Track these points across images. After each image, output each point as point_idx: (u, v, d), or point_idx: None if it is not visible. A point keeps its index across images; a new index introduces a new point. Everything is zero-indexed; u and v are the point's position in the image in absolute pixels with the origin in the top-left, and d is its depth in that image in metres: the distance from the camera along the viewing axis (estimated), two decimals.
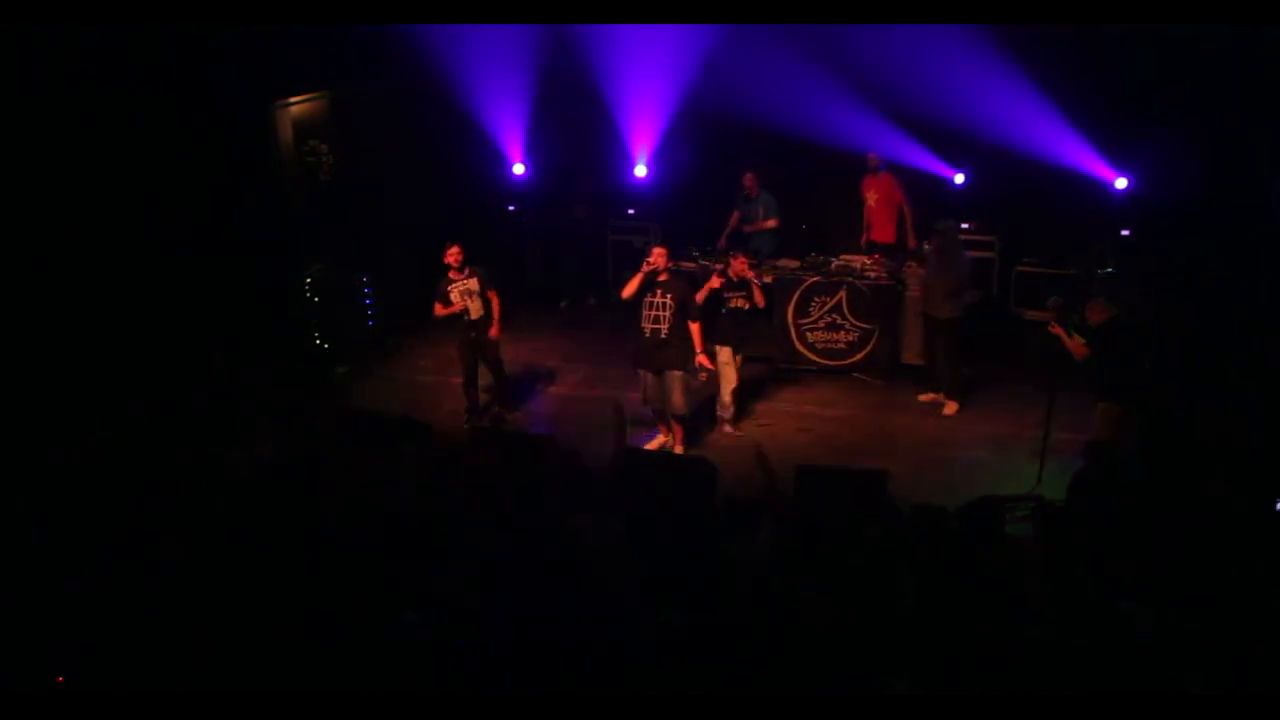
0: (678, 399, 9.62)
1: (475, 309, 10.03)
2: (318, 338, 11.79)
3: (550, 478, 8.06)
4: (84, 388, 9.02)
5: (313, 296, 11.71)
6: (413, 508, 7.16)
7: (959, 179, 12.75)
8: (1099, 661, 5.25)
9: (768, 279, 10.82)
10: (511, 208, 14.50)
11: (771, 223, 12.26)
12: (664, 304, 9.44)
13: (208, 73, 10.21)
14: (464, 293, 9.96)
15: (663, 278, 9.49)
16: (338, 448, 8.55)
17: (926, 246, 11.17)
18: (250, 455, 8.01)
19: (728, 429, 10.29)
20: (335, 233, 12.28)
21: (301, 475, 7.80)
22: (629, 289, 9.57)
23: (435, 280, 10.13)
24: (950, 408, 10.56)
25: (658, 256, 9.48)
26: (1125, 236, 11.61)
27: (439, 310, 10.11)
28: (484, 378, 10.54)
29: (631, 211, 14.08)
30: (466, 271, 10.02)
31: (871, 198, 12.44)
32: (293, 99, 11.39)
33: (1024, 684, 5.21)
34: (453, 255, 9.91)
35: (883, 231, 12.41)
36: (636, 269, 9.60)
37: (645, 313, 9.51)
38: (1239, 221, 8.92)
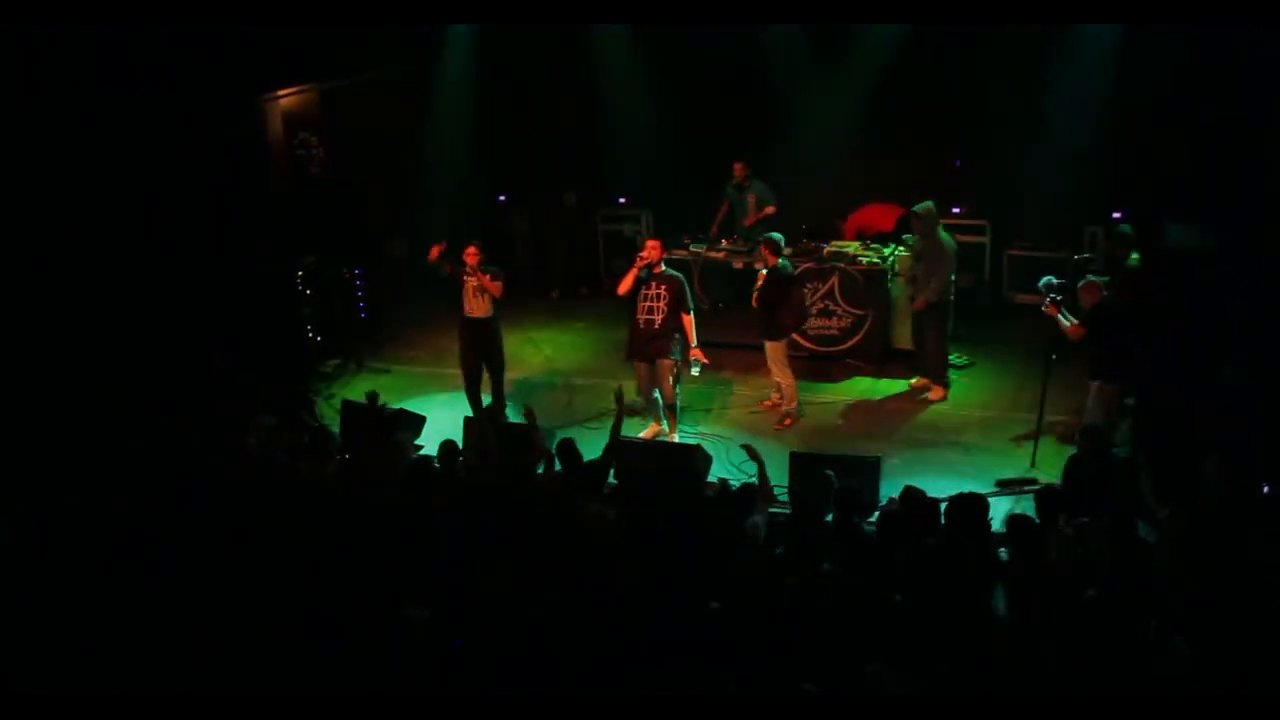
0: (668, 388, 9.63)
1: (480, 308, 9.95)
2: (310, 330, 11.77)
3: (545, 467, 8.09)
4: (79, 385, 9.02)
5: (305, 289, 11.69)
6: (408, 499, 7.17)
7: (956, 162, 12.73)
8: (1090, 653, 5.27)
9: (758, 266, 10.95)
10: (501, 197, 14.47)
11: (770, 209, 12.21)
12: (658, 295, 9.45)
13: (196, 66, 10.16)
14: (476, 290, 9.88)
15: (657, 270, 9.49)
16: (332, 440, 8.56)
17: (907, 235, 11.19)
18: (246, 449, 8.01)
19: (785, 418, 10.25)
20: (327, 225, 12.26)
21: (296, 469, 7.81)
22: (624, 285, 9.56)
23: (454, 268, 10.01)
24: (936, 393, 10.56)
25: (651, 249, 9.48)
26: (1117, 219, 11.61)
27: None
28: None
29: (623, 200, 14.05)
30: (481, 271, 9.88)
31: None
32: (282, 91, 11.35)
33: (1016, 676, 5.24)
34: (471, 255, 9.78)
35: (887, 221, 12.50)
36: (627, 257, 9.58)
37: (640, 304, 9.52)
38: (1237, 207, 8.90)
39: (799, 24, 11.99)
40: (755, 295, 9.96)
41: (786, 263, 10.02)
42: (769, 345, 10.04)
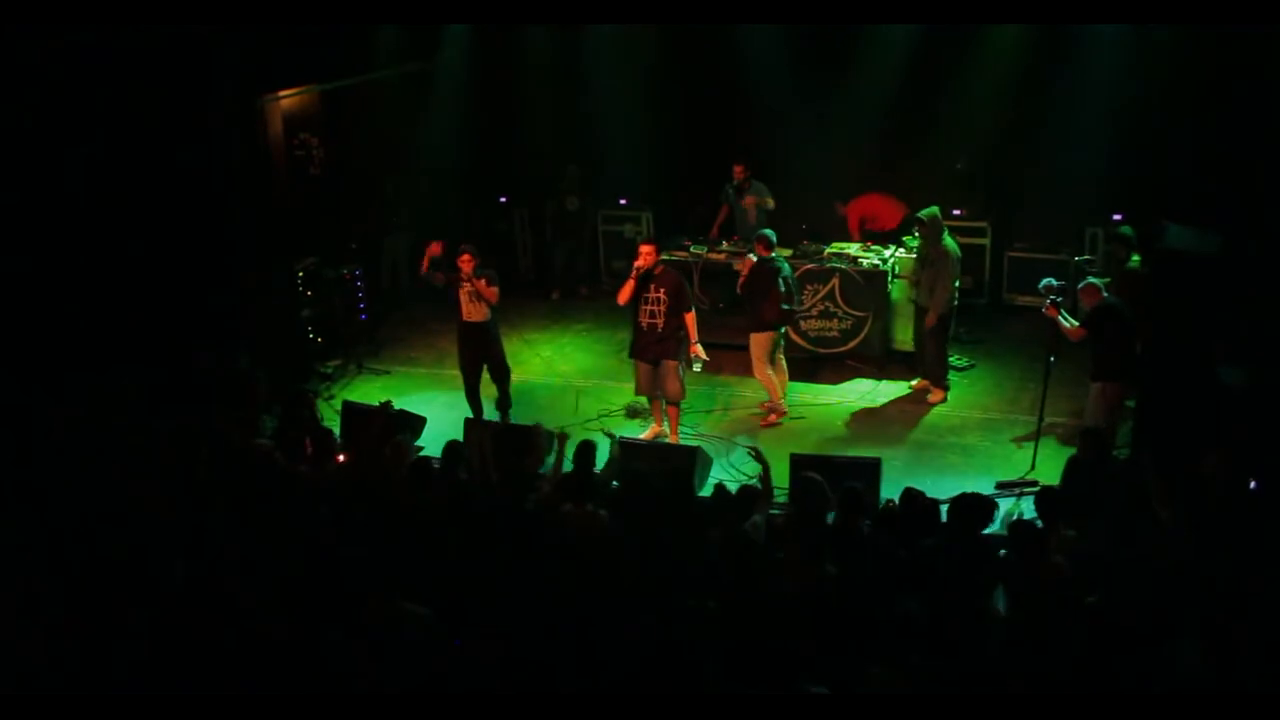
0: (674, 387, 9.65)
1: (478, 313, 9.92)
2: (310, 331, 11.76)
3: (544, 469, 8.09)
4: (79, 385, 9.01)
5: (305, 290, 11.69)
6: (408, 499, 7.17)
7: (958, 164, 12.72)
8: (1092, 655, 5.27)
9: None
10: (503, 198, 14.49)
11: (768, 202, 12.20)
12: (658, 299, 9.47)
13: (197, 66, 10.15)
14: (471, 295, 9.83)
15: (658, 271, 9.50)
16: (333, 441, 8.55)
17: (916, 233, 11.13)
18: (244, 450, 8.00)
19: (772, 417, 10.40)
20: (327, 225, 12.25)
21: (297, 469, 7.80)
22: (624, 294, 9.58)
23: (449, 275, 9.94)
24: (936, 395, 10.56)
25: (646, 255, 9.47)
26: (1117, 220, 11.61)
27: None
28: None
29: (624, 201, 14.05)
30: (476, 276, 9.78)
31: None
32: (283, 92, 11.34)
33: (1017, 678, 5.24)
34: (465, 262, 9.71)
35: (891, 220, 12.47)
36: (627, 259, 9.58)
37: (641, 307, 9.54)
38: (1238, 209, 8.89)
39: (802, 25, 11.95)
40: (739, 283, 10.19)
41: (782, 261, 10.13)
42: (752, 339, 10.14)
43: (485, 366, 10.09)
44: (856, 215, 12.47)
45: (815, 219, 12.59)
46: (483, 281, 9.72)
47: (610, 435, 8.44)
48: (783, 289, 10.00)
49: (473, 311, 9.87)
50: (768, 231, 10.20)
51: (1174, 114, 11.03)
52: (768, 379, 10.23)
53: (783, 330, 10.30)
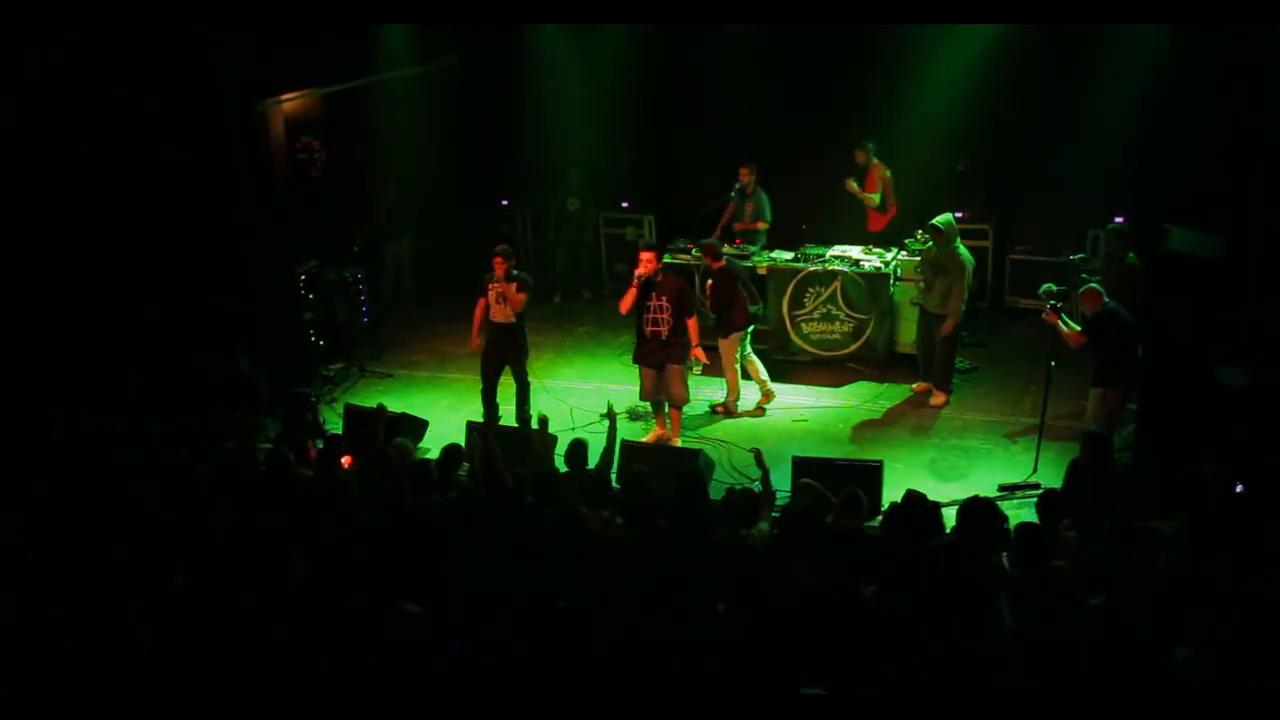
0: (679, 390, 9.70)
1: (502, 314, 9.89)
2: (312, 334, 11.76)
3: (548, 472, 8.08)
4: (83, 388, 9.03)
5: (306, 293, 11.69)
6: (409, 501, 7.17)
7: (959, 166, 12.69)
8: (1094, 658, 5.26)
9: (761, 271, 11.30)
10: (504, 200, 14.48)
11: (760, 225, 12.17)
12: (661, 307, 9.51)
13: (199, 69, 10.17)
14: (499, 295, 9.82)
15: (659, 279, 9.50)
16: (334, 443, 8.55)
17: (920, 234, 11.11)
18: (246, 452, 8.00)
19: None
20: (329, 228, 12.25)
21: (298, 471, 7.80)
22: (625, 303, 9.64)
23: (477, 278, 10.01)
24: (938, 398, 10.54)
25: (646, 263, 9.48)
26: (1119, 222, 11.58)
27: (480, 306, 9.99)
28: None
29: (626, 204, 14.04)
30: (508, 279, 9.78)
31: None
32: (285, 95, 11.36)
33: (1019, 681, 5.23)
34: (498, 264, 9.69)
35: (878, 221, 12.36)
36: (629, 262, 9.57)
37: (644, 315, 9.59)
38: (1239, 210, 8.86)
39: (803, 26, 11.95)
40: (708, 299, 10.41)
41: (734, 264, 10.50)
42: (721, 343, 10.37)
43: (507, 369, 10.10)
44: (878, 179, 12.17)
45: (815, 220, 12.57)
46: (513, 286, 9.73)
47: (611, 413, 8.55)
48: (744, 293, 10.18)
49: (498, 312, 9.87)
50: (713, 240, 10.59)
51: (1174, 114, 11.02)
52: (735, 379, 10.48)
53: (749, 330, 10.48)
